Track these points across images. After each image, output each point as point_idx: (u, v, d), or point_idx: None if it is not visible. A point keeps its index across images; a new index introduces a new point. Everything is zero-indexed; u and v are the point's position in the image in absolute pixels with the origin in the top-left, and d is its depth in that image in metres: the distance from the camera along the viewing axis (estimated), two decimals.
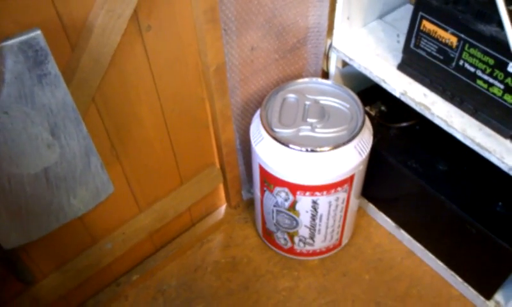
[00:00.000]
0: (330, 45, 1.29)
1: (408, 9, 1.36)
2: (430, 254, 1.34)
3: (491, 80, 0.97)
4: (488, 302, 1.23)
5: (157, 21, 0.95)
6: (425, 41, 1.06)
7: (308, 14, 1.23)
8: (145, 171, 1.17)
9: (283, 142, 1.09)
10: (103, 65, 0.88)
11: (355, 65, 1.22)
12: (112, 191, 0.91)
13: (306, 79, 1.24)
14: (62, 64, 0.83)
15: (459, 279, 1.28)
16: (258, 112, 1.20)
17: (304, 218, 1.21)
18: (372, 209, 1.47)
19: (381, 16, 1.34)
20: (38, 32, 0.71)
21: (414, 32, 1.08)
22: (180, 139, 1.19)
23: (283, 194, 1.16)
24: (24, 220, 0.82)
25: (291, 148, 1.08)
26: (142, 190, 1.20)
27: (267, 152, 1.12)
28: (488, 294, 1.23)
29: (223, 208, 1.50)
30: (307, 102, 1.17)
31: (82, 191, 0.86)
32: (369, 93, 1.39)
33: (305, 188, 1.12)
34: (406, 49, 1.12)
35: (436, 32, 1.02)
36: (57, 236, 1.05)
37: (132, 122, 1.05)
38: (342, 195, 1.17)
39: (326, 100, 1.18)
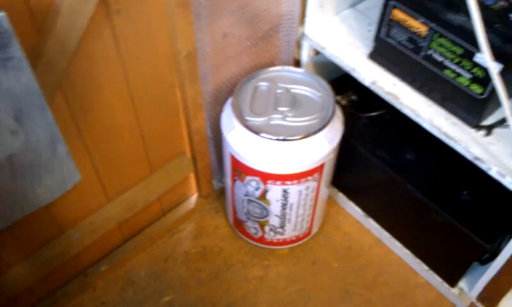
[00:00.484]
0: (302, 33, 1.29)
1: None
2: (397, 243, 1.37)
3: (458, 70, 0.99)
4: (452, 290, 1.27)
5: (127, 4, 0.92)
6: (396, 30, 1.07)
7: (281, 1, 1.23)
8: (114, 160, 1.15)
9: (254, 130, 1.08)
10: (70, 49, 0.85)
11: (326, 53, 1.22)
12: (79, 179, 0.89)
13: (278, 67, 1.23)
14: (27, 49, 0.79)
15: (425, 267, 1.32)
16: (229, 101, 1.19)
17: (275, 207, 1.21)
18: (341, 198, 1.48)
19: (353, 5, 1.34)
20: (2, 14, 0.68)
21: (385, 21, 1.08)
22: (150, 127, 1.17)
23: (254, 183, 1.16)
24: None
25: (262, 136, 1.08)
26: (110, 179, 1.18)
27: (239, 141, 1.12)
28: (452, 281, 1.26)
29: (193, 198, 1.49)
30: (278, 91, 1.17)
31: (48, 179, 0.84)
32: (341, 82, 1.40)
33: (276, 177, 1.12)
34: (377, 38, 1.13)
35: (406, 21, 1.04)
36: (23, 226, 1.02)
37: (100, 108, 1.02)
38: (312, 184, 1.17)
39: (297, 89, 1.18)
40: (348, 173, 1.38)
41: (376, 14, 1.29)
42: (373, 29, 1.25)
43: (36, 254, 1.12)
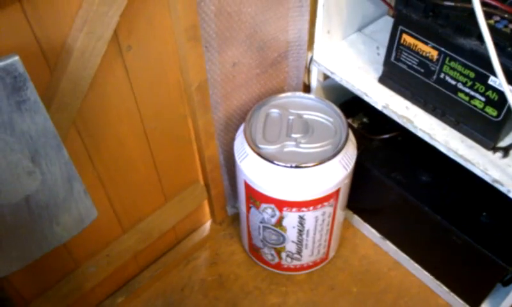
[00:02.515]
0: (311, 59, 1.29)
1: (386, 21, 1.37)
2: (416, 265, 1.35)
3: (472, 93, 0.98)
4: None
5: (137, 41, 0.94)
6: (406, 54, 1.07)
7: (288, 28, 1.23)
8: (128, 191, 1.15)
9: (268, 158, 1.08)
10: (83, 88, 0.86)
11: (337, 79, 1.22)
12: (96, 216, 0.89)
13: (288, 93, 1.23)
14: (41, 88, 0.81)
15: (446, 289, 1.29)
16: (241, 128, 1.19)
17: (291, 233, 1.20)
18: (357, 220, 1.47)
19: (360, 29, 1.35)
20: (16, 58, 0.69)
21: (394, 45, 1.08)
22: (163, 158, 1.17)
23: (269, 211, 1.16)
24: (5, 252, 0.80)
25: (276, 164, 1.07)
26: (125, 211, 1.18)
27: (252, 169, 1.11)
28: (474, 304, 1.23)
29: (207, 225, 1.49)
30: (290, 117, 1.17)
31: (65, 218, 0.84)
32: (351, 104, 1.40)
33: (292, 204, 1.11)
34: (387, 62, 1.13)
35: (416, 46, 1.03)
36: (39, 262, 1.01)
37: (114, 143, 1.03)
38: (328, 209, 1.16)
39: (309, 115, 1.18)
40: (363, 195, 1.37)
41: (382, 37, 1.30)
42: (381, 52, 1.25)
43: (52, 289, 1.12)
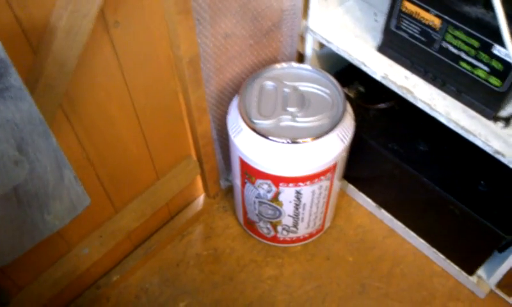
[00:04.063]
0: (306, 27, 1.24)
1: None
2: (411, 233, 1.35)
3: (475, 63, 0.95)
4: (470, 278, 1.25)
5: (125, 16, 0.88)
6: (407, 22, 1.02)
7: None
8: (119, 171, 1.11)
9: (264, 134, 1.05)
10: (69, 69, 0.81)
11: (333, 48, 1.18)
12: (88, 203, 0.85)
13: (283, 64, 1.19)
14: (24, 72, 0.75)
15: (442, 256, 1.30)
16: (235, 102, 1.15)
17: (288, 208, 1.18)
18: (352, 189, 1.46)
19: None
20: None
21: (394, 13, 1.04)
22: (154, 135, 1.13)
23: (265, 186, 1.13)
24: None
25: (272, 140, 1.04)
26: (117, 190, 1.14)
27: (248, 144, 1.08)
28: (470, 270, 1.24)
29: (201, 199, 1.46)
30: (286, 89, 1.13)
31: (57, 206, 0.80)
32: (346, 72, 1.36)
33: (288, 180, 1.09)
34: (386, 30, 1.08)
35: (418, 14, 0.99)
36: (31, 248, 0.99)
37: (103, 123, 0.98)
38: (325, 183, 1.14)
39: (305, 86, 1.14)
40: (359, 165, 1.35)
41: (380, 3, 1.24)
42: (379, 19, 1.21)
43: (45, 273, 1.09)
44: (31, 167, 0.76)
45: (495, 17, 0.83)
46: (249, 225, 1.35)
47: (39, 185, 0.78)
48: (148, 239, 1.36)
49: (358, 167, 1.36)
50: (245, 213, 1.32)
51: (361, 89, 1.33)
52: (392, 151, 1.22)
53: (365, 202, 1.44)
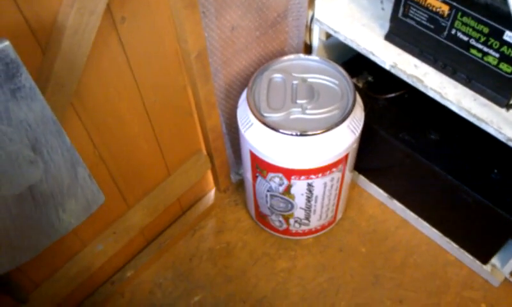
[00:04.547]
0: (312, 17, 1.23)
1: None
2: (424, 223, 1.34)
3: (485, 49, 0.93)
4: (484, 267, 1.25)
5: (131, 11, 0.88)
6: (415, 10, 1.02)
7: None
8: (131, 168, 1.12)
9: (274, 127, 1.04)
10: (79, 67, 0.81)
11: (341, 38, 1.17)
12: (103, 201, 0.86)
13: (291, 56, 1.18)
14: (34, 72, 0.76)
15: (455, 245, 1.29)
16: (244, 96, 1.15)
17: (300, 200, 1.18)
18: (363, 180, 1.45)
19: None
20: (7, 43, 0.64)
21: (402, 1, 1.03)
22: (164, 130, 1.13)
23: (277, 179, 1.13)
24: (13, 244, 0.77)
25: (283, 133, 1.04)
26: (129, 187, 1.15)
27: (258, 138, 1.08)
28: (484, 259, 1.24)
29: (212, 193, 1.46)
30: (294, 82, 1.13)
31: (72, 205, 0.81)
32: (354, 62, 1.35)
33: (300, 173, 1.09)
34: (394, 19, 1.08)
35: (426, 1, 0.98)
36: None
37: (114, 120, 0.99)
38: (336, 175, 1.14)
39: (313, 78, 1.14)
40: (370, 156, 1.34)
41: None
42: (386, 7, 1.20)
43: (60, 270, 1.10)
44: (45, 167, 0.76)
45: (505, 2, 0.82)
46: (261, 218, 1.35)
47: (54, 184, 0.79)
48: (161, 234, 1.37)
49: (368, 158, 1.35)
50: (257, 206, 1.32)
51: (370, 78, 1.32)
52: (402, 140, 1.21)
53: (377, 193, 1.43)
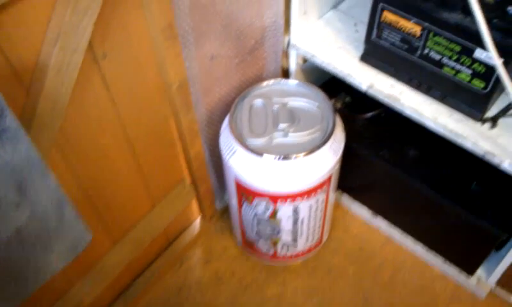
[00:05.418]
0: (289, 42, 1.26)
1: None
2: (409, 238, 1.36)
3: (458, 67, 0.97)
4: (470, 279, 1.27)
5: (112, 47, 0.88)
6: (388, 32, 1.05)
7: (264, 14, 1.19)
8: (116, 202, 1.11)
9: (258, 152, 1.05)
10: (62, 105, 0.81)
11: (317, 61, 1.20)
12: (90, 239, 0.85)
13: (270, 81, 1.20)
14: (17, 112, 0.76)
15: (440, 259, 1.31)
16: (226, 123, 1.16)
17: (286, 224, 1.19)
18: (346, 199, 1.47)
19: (335, 6, 1.32)
20: None
21: (375, 24, 1.06)
22: (148, 162, 1.13)
23: (263, 205, 1.14)
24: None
25: (267, 158, 1.05)
26: (114, 222, 1.14)
27: (243, 165, 1.09)
28: (470, 271, 1.26)
29: (197, 222, 1.46)
30: (275, 106, 1.14)
31: (59, 246, 0.80)
32: (332, 83, 1.38)
33: (285, 197, 1.10)
34: (368, 41, 1.11)
35: (398, 23, 1.02)
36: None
37: (98, 155, 0.98)
38: (321, 196, 1.15)
39: (293, 102, 1.15)
40: (351, 175, 1.36)
41: (359, 13, 1.27)
42: (360, 29, 1.23)
43: None
44: (32, 209, 0.75)
45: (473, 21, 0.86)
46: (248, 245, 1.35)
47: (41, 226, 0.77)
48: (148, 268, 1.35)
49: (350, 177, 1.37)
50: (243, 233, 1.32)
51: (348, 98, 1.35)
52: (382, 158, 1.24)
53: (361, 211, 1.45)
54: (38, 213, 0.75)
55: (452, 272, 1.31)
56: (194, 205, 1.42)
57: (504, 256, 1.13)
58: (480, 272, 1.26)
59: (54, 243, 0.79)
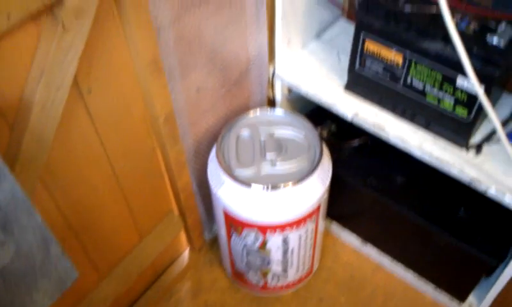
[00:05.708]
0: (273, 73, 1.27)
1: (343, 24, 1.37)
2: (399, 265, 1.35)
3: (441, 95, 0.99)
4: (462, 305, 1.26)
5: (98, 81, 0.88)
6: (370, 61, 1.07)
7: (248, 46, 1.21)
8: (102, 236, 1.09)
9: (246, 183, 1.05)
10: (47, 142, 0.80)
11: (302, 92, 1.21)
12: (76, 276, 0.83)
13: (256, 111, 1.21)
14: (2, 150, 0.75)
15: (431, 287, 1.31)
16: (213, 154, 1.16)
17: (276, 255, 1.18)
18: (335, 227, 1.47)
19: (318, 35, 1.34)
20: None
21: (357, 54, 1.08)
22: (135, 195, 1.12)
23: (252, 236, 1.13)
24: None
25: (255, 188, 1.05)
26: (101, 257, 1.12)
27: (231, 196, 1.08)
28: (461, 297, 1.25)
29: (186, 253, 1.44)
30: (262, 136, 1.15)
31: (45, 284, 0.78)
32: (317, 112, 1.38)
33: (275, 227, 1.09)
34: (351, 71, 1.12)
35: (380, 52, 1.03)
36: None
37: (84, 190, 0.97)
38: (310, 226, 1.15)
39: (279, 131, 1.16)
40: (340, 203, 1.36)
41: (341, 42, 1.30)
42: (342, 57, 1.25)
43: None
44: (17, 248, 0.74)
45: (454, 50, 0.87)
46: (238, 276, 1.34)
47: (26, 265, 0.76)
48: (136, 302, 1.32)
49: (338, 205, 1.37)
50: (233, 264, 1.30)
51: (333, 127, 1.36)
52: (370, 186, 1.24)
53: (350, 239, 1.45)
54: (23, 252, 0.73)
55: (443, 299, 1.30)
56: (183, 237, 1.41)
57: (494, 283, 1.13)
58: (471, 298, 1.25)
59: (40, 281, 0.77)
